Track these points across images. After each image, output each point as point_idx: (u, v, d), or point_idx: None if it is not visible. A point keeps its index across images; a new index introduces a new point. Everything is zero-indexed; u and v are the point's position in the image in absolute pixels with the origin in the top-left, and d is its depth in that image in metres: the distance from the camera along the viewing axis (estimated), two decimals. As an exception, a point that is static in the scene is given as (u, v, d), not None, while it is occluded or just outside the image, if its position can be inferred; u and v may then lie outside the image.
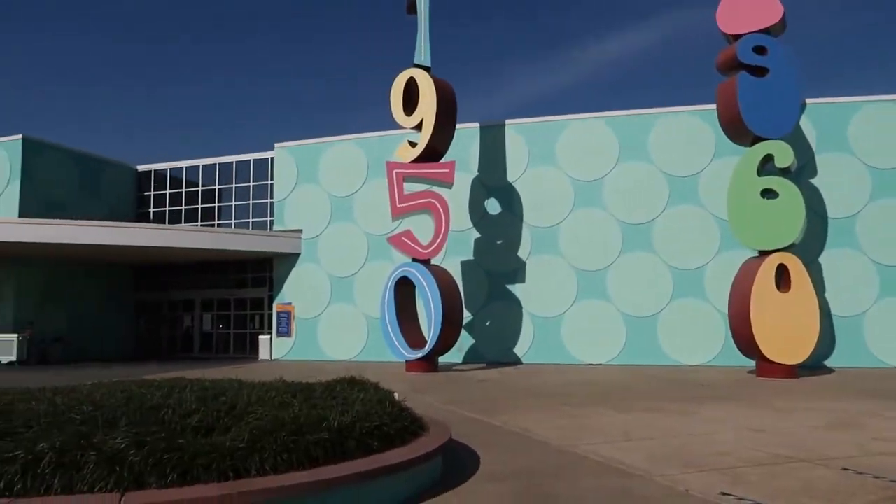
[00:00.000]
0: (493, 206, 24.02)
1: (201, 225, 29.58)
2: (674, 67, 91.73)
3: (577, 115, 23.85)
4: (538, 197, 23.45)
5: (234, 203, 29.61)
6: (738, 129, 18.06)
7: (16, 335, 24.16)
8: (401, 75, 20.52)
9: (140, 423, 5.24)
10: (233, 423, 5.53)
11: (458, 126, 21.30)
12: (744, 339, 17.33)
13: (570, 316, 22.78)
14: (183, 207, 30.42)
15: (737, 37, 17.88)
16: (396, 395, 7.69)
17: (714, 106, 19.06)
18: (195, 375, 8.99)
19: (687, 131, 22.59)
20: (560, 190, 23.33)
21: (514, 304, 23.28)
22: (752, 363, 18.03)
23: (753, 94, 17.42)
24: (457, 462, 7.10)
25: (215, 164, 30.11)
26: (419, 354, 19.27)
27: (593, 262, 22.78)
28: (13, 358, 23.74)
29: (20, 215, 25.20)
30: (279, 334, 26.57)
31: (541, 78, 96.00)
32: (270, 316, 27.35)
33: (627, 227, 22.64)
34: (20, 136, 26.27)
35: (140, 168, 31.43)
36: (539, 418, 10.43)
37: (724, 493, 5.92)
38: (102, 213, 27.70)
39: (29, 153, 26.29)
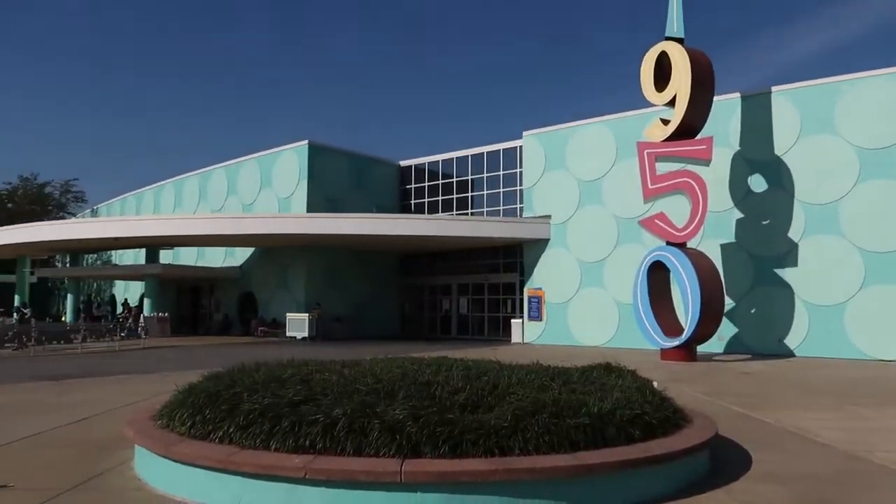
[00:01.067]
0: (757, 183, 21.89)
1: (456, 214, 31.36)
2: None
3: (861, 73, 20.66)
4: (814, 170, 20.83)
5: (485, 192, 30.89)
6: None
7: (307, 315, 27.92)
8: (651, 50, 19.61)
9: (414, 396, 5.71)
10: (496, 403, 5.77)
11: (715, 98, 19.76)
12: None
13: (856, 304, 19.92)
14: (440, 198, 32.51)
15: None
16: (655, 383, 7.41)
17: None
18: (456, 355, 9.56)
19: None
20: (842, 161, 20.43)
21: (785, 291, 21.02)
22: None
23: None
24: (724, 459, 6.63)
25: (468, 155, 31.67)
26: (675, 342, 18.37)
27: (886, 242, 19.63)
28: (305, 334, 27.46)
29: (307, 211, 29.02)
30: (530, 318, 27.20)
31: (806, 40, 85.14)
32: (522, 300, 28.11)
33: (932, 200, 19.11)
34: (306, 141, 30.20)
35: (402, 163, 34.25)
36: (819, 418, 9.31)
37: None
38: (370, 206, 30.73)
39: (313, 156, 30.13)
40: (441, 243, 29.54)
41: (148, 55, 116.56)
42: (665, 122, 19.44)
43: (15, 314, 33.01)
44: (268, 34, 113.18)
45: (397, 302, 33.57)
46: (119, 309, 39.02)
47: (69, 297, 38.30)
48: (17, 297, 38.95)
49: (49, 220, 45.47)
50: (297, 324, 27.89)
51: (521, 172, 28.75)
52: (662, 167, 19.62)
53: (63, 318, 38.52)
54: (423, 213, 32.49)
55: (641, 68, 19.73)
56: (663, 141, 19.29)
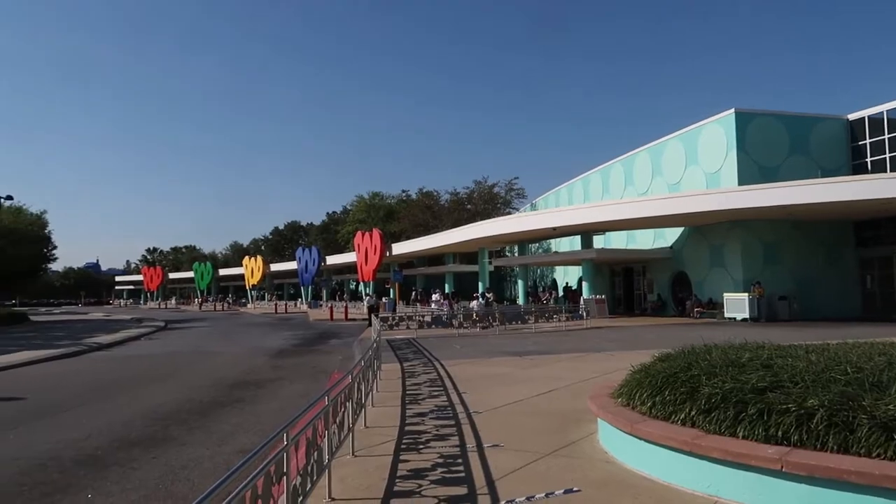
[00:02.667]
0: None
1: (932, 168, 25.63)
2: None
3: None
4: None
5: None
6: None
7: (747, 294, 26.19)
8: None
9: (912, 390, 4.80)
10: None
11: None
12: None
13: None
14: (906, 151, 27.01)
15: None
16: None
17: None
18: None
19: None
20: None
21: None
22: None
23: None
24: None
25: (944, 93, 25.55)
26: None
27: None
28: (746, 315, 25.78)
29: (739, 183, 27.19)
30: None
31: None
32: None
33: None
34: (732, 110, 28.32)
35: (851, 117, 29.47)
36: None
37: None
38: (813, 171, 27.18)
39: (741, 125, 28.09)
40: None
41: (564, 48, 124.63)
42: None
43: (480, 298, 38.80)
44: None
45: (856, 277, 29.05)
46: (560, 292, 42.73)
47: (519, 282, 43.37)
48: (479, 284, 45.84)
49: (498, 216, 52.29)
50: (737, 304, 26.39)
51: None
52: None
53: (516, 301, 43.81)
54: (885, 170, 27.38)
55: None
56: None
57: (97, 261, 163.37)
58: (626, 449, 5.91)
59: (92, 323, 44.22)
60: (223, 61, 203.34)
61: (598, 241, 35.75)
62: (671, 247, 32.71)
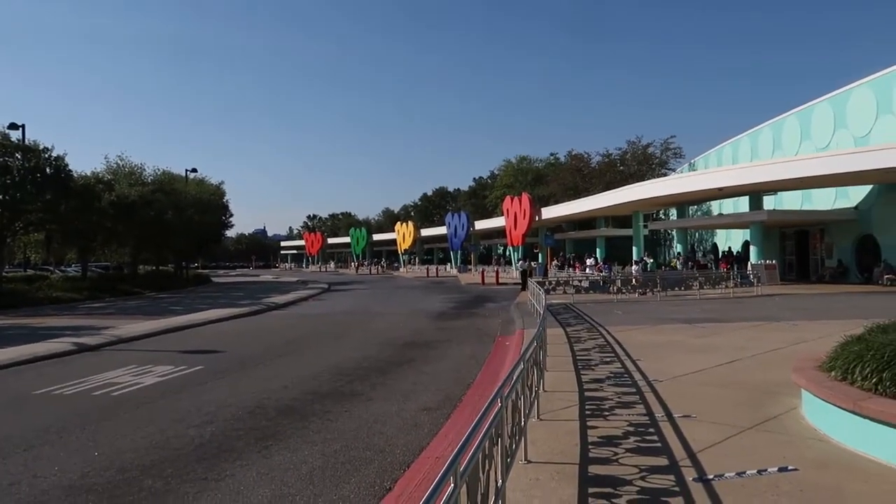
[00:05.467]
0: None
1: None
2: None
3: None
4: None
5: None
6: None
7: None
8: None
9: None
10: None
11: None
12: None
13: None
14: None
15: None
16: None
17: None
18: None
19: None
20: None
21: None
22: None
23: None
24: None
25: None
26: None
27: None
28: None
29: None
30: None
31: None
32: None
33: None
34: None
35: None
36: None
37: None
38: None
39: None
40: None
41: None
42: None
43: (636, 264, 37.48)
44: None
45: None
46: (720, 256, 40.26)
47: (677, 246, 41.36)
48: (634, 249, 44.24)
49: (653, 177, 49.88)
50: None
51: None
52: None
53: (675, 266, 41.81)
54: None
55: None
56: None
57: (264, 227, 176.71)
58: (845, 427, 5.39)
59: (265, 284, 48.06)
60: (388, 35, 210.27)
61: (769, 202, 33.11)
62: (856, 207, 29.56)
